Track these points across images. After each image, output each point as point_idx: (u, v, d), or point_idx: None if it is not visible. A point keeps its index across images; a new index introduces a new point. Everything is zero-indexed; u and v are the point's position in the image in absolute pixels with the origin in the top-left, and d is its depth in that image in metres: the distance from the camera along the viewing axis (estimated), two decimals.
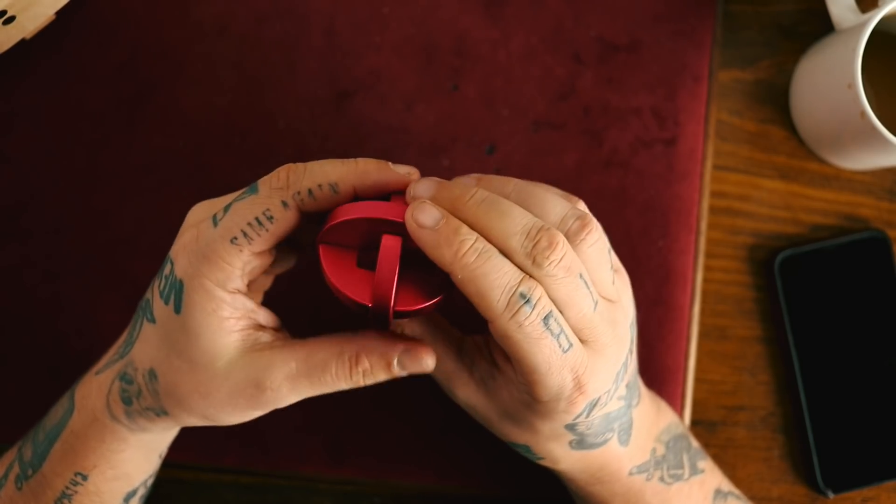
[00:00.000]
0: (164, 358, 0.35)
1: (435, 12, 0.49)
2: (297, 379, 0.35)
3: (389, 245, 0.33)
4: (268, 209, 0.33)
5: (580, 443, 0.38)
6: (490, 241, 0.32)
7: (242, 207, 0.34)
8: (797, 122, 0.51)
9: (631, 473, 0.40)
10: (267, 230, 0.33)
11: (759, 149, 0.51)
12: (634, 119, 0.49)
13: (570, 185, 0.48)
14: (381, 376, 0.36)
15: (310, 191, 0.33)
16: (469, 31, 0.49)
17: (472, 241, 0.32)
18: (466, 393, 0.39)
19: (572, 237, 0.33)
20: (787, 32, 0.52)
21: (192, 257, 0.34)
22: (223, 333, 0.34)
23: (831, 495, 0.49)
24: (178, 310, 0.34)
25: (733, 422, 0.50)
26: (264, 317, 0.36)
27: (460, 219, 0.33)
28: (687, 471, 0.42)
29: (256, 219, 0.33)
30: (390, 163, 0.34)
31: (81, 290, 0.47)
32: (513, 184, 0.34)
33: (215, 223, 0.34)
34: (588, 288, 0.33)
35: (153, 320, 0.35)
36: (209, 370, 0.35)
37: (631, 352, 0.37)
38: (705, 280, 0.50)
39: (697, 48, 0.49)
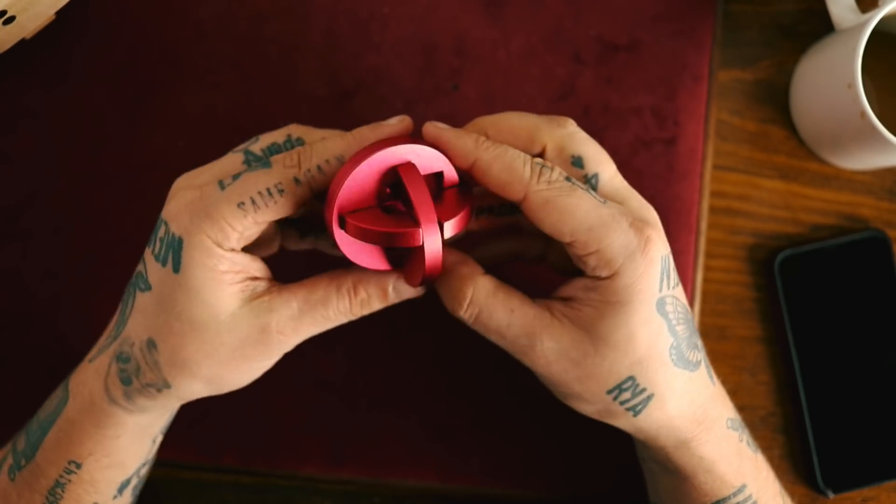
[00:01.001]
0: (163, 323, 0.35)
1: (435, 12, 0.49)
2: (300, 318, 0.36)
3: (408, 169, 0.34)
4: (280, 182, 0.34)
5: (678, 352, 0.35)
6: (513, 132, 0.36)
7: (255, 177, 0.34)
8: (797, 122, 0.51)
9: (728, 426, 0.38)
10: (276, 202, 0.34)
11: (759, 149, 0.51)
12: (634, 119, 0.49)
13: None
14: (377, 304, 0.37)
15: (318, 167, 0.35)
16: (469, 31, 0.49)
17: (485, 138, 0.36)
18: (554, 333, 0.35)
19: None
20: (787, 32, 0.52)
21: (194, 216, 0.34)
22: (224, 286, 0.35)
23: (831, 495, 0.49)
24: (176, 268, 0.34)
25: None
26: (258, 268, 0.36)
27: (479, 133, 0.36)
28: (755, 447, 0.40)
29: (268, 189, 0.34)
30: (382, 122, 0.36)
31: (81, 289, 0.47)
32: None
33: (222, 187, 0.34)
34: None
35: (148, 287, 0.35)
36: (213, 324, 0.35)
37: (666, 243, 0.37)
38: (705, 280, 0.50)
39: (697, 48, 0.49)
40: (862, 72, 0.44)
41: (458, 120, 0.48)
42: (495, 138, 0.36)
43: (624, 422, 0.36)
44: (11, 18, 0.43)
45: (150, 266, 0.35)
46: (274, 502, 0.49)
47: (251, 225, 0.34)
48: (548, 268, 0.41)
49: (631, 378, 0.35)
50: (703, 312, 0.50)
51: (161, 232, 0.35)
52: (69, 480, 0.38)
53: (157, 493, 0.46)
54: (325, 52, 0.48)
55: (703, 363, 0.37)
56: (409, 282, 0.36)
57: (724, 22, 0.51)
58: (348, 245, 0.35)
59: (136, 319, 0.36)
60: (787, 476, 0.50)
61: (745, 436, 0.39)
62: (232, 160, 0.36)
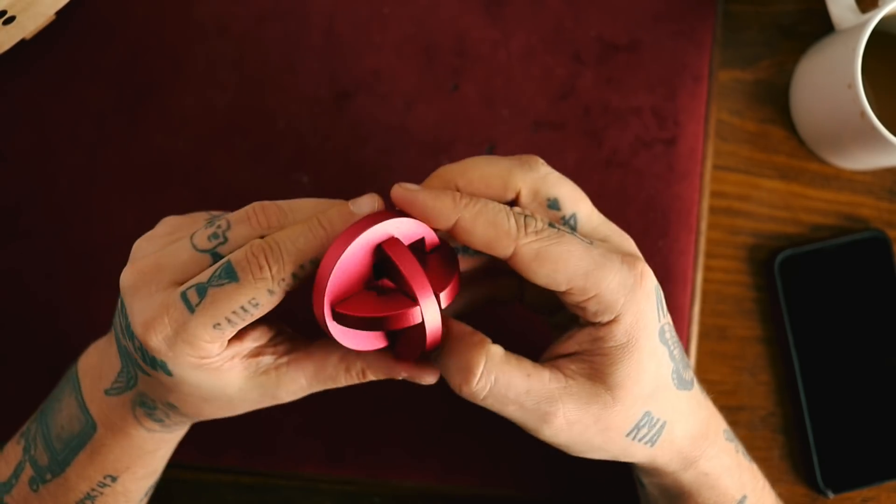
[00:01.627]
0: (177, 398, 0.35)
1: (435, 12, 0.49)
2: (308, 389, 0.36)
3: (393, 244, 0.33)
4: (254, 298, 0.32)
5: (678, 375, 0.35)
6: (484, 180, 0.34)
7: (226, 295, 0.32)
8: (797, 122, 0.51)
9: (725, 437, 0.38)
10: (252, 315, 0.32)
11: (759, 149, 0.51)
12: (634, 119, 0.49)
13: None
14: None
15: (293, 274, 0.32)
16: (469, 31, 0.49)
17: (460, 194, 0.33)
18: (571, 394, 0.34)
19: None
20: (787, 32, 0.52)
21: (171, 342, 0.32)
22: (224, 374, 0.34)
23: (831, 495, 0.49)
24: (169, 374, 0.34)
25: (733, 422, 0.50)
26: (258, 337, 0.35)
27: (449, 186, 0.35)
28: (748, 457, 0.40)
29: (242, 307, 0.32)
30: (349, 202, 0.34)
31: (81, 289, 0.47)
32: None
33: (189, 306, 0.32)
34: (581, 192, 0.35)
35: (147, 374, 0.35)
36: (223, 399, 0.35)
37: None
38: (705, 280, 0.50)
39: (697, 48, 0.49)
40: (862, 72, 0.44)
41: (458, 120, 0.48)
42: (467, 190, 0.34)
43: (641, 455, 0.36)
44: (11, 18, 0.43)
45: (143, 365, 0.35)
46: (274, 502, 0.49)
47: (231, 335, 0.33)
48: (519, 309, 0.41)
49: (647, 413, 0.35)
50: (703, 312, 0.50)
51: (137, 343, 0.34)
52: (101, 493, 0.39)
53: (157, 492, 0.46)
54: (325, 52, 0.48)
55: (695, 380, 0.37)
56: (409, 356, 0.35)
57: (724, 22, 0.51)
58: (343, 334, 0.33)
59: (148, 386, 0.36)
60: (787, 476, 0.50)
61: (740, 446, 0.40)
62: (181, 250, 0.34)
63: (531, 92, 0.49)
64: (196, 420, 0.38)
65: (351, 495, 0.49)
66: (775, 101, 0.52)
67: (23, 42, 0.46)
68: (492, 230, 0.32)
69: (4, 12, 0.42)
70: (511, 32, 0.49)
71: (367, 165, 0.48)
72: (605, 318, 0.34)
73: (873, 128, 0.44)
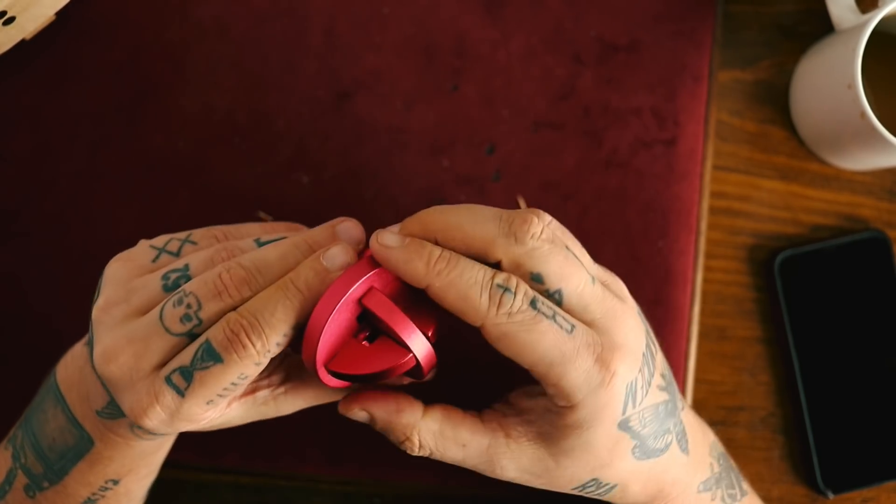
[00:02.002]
0: (175, 430, 0.35)
1: (435, 12, 0.49)
2: (307, 405, 0.38)
3: (377, 300, 0.32)
4: (242, 373, 0.32)
5: (643, 448, 0.35)
6: (465, 241, 0.32)
7: (212, 378, 0.32)
8: (797, 122, 0.51)
9: (699, 490, 0.38)
10: (244, 385, 0.33)
11: (759, 149, 0.51)
12: (634, 119, 0.49)
13: (570, 185, 0.48)
14: None
15: (277, 343, 0.32)
16: (469, 31, 0.49)
17: (440, 251, 0.32)
18: (513, 457, 0.35)
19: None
20: (787, 32, 0.52)
21: (168, 423, 0.33)
22: (222, 421, 0.35)
23: (831, 496, 0.49)
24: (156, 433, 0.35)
25: (733, 422, 0.50)
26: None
27: (429, 237, 0.33)
28: (738, 491, 0.40)
29: (233, 383, 0.32)
30: (320, 256, 0.33)
31: (80, 290, 0.47)
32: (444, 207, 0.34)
33: (178, 390, 0.32)
34: (579, 260, 0.33)
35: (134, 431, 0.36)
36: (223, 425, 0.36)
37: (650, 335, 0.35)
38: (705, 280, 0.50)
39: (697, 48, 0.49)
40: (862, 72, 0.44)
41: (457, 120, 0.48)
42: (447, 245, 0.33)
43: (592, 501, 0.37)
44: (11, 19, 0.43)
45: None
46: (274, 502, 0.49)
47: (227, 402, 0.34)
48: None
49: (594, 480, 0.35)
50: (703, 312, 0.50)
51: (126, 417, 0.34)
52: (103, 496, 0.38)
53: (157, 492, 0.46)
54: (325, 52, 0.48)
55: (674, 440, 0.36)
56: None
57: (724, 22, 0.51)
58: (338, 383, 0.34)
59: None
60: (787, 476, 0.50)
61: (722, 490, 0.39)
62: (154, 334, 0.33)
63: (531, 92, 0.49)
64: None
65: (351, 495, 0.49)
66: (775, 102, 0.52)
67: (23, 42, 0.46)
68: (461, 303, 0.31)
69: (4, 13, 0.42)
70: (511, 33, 0.49)
71: (367, 165, 0.48)
72: (561, 403, 0.33)
73: (873, 128, 0.44)
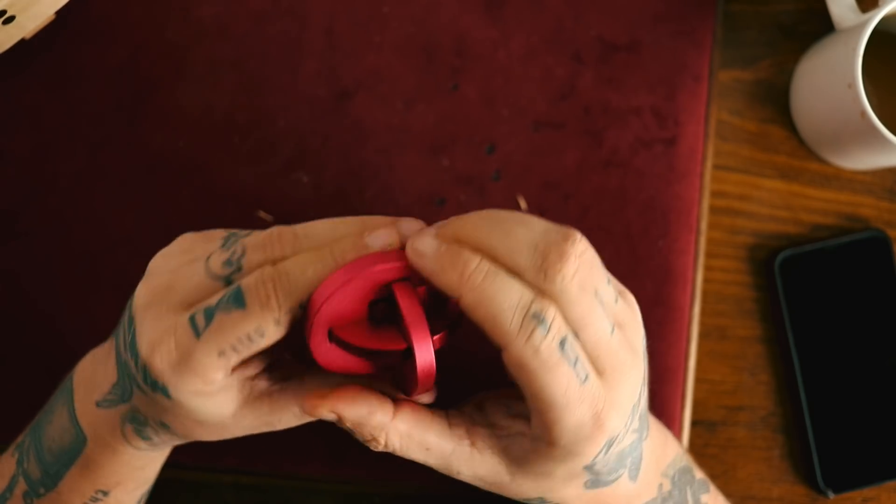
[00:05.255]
0: (171, 419, 0.35)
1: (435, 12, 0.49)
2: (301, 418, 0.37)
3: (402, 288, 0.32)
4: (259, 326, 0.31)
5: (594, 482, 0.35)
6: (497, 261, 0.31)
7: (231, 323, 0.31)
8: (797, 121, 0.51)
9: None
10: (258, 344, 0.31)
11: (760, 149, 0.51)
12: (634, 119, 0.49)
13: (570, 185, 0.48)
14: None
15: (301, 306, 0.31)
16: (469, 31, 0.49)
17: (476, 262, 0.30)
18: (472, 468, 0.36)
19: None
20: (787, 32, 0.52)
21: (175, 368, 0.32)
22: (219, 401, 0.34)
23: (831, 495, 0.49)
24: (168, 398, 0.33)
25: (733, 422, 0.50)
26: (257, 364, 0.35)
27: (462, 242, 0.31)
28: None
29: (248, 335, 0.31)
30: (365, 235, 0.32)
31: (81, 289, 0.47)
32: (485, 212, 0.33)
33: (195, 329, 0.31)
34: (604, 309, 0.32)
35: (143, 393, 0.34)
36: (217, 423, 0.35)
37: (645, 379, 0.35)
38: (705, 280, 0.50)
39: (697, 48, 0.49)
40: (862, 72, 0.44)
41: (457, 120, 0.48)
42: (486, 251, 0.31)
43: None
44: (11, 18, 0.43)
45: (142, 385, 0.34)
46: (274, 502, 0.49)
47: (236, 363, 0.33)
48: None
49: (540, 498, 0.36)
50: (703, 312, 0.50)
51: (133, 363, 0.33)
52: None
53: (157, 492, 0.46)
54: (325, 52, 0.48)
55: (625, 473, 0.36)
56: (404, 389, 0.35)
57: (724, 22, 0.51)
58: (326, 353, 0.33)
59: (142, 403, 0.35)
60: (787, 476, 0.50)
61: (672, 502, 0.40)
62: (195, 273, 0.33)
63: (531, 92, 0.49)
64: (185, 441, 0.37)
65: (351, 495, 0.49)
66: (775, 101, 0.52)
67: (23, 42, 0.46)
68: (490, 322, 0.30)
69: (4, 12, 0.42)
70: (511, 32, 0.49)
71: (367, 165, 0.48)
72: (542, 439, 0.33)
73: (874, 127, 0.44)
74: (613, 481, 0.36)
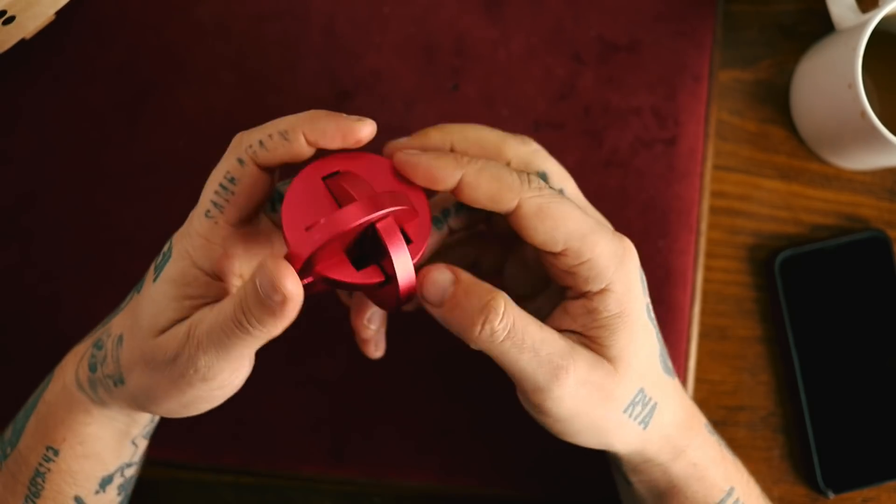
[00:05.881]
0: (131, 324, 0.35)
1: (435, 12, 0.49)
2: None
3: (387, 224, 0.32)
4: (227, 171, 0.34)
5: (663, 360, 0.36)
6: (479, 143, 0.36)
7: (210, 179, 0.34)
8: (797, 122, 0.51)
9: (708, 431, 0.39)
10: (233, 193, 0.34)
11: (760, 149, 0.51)
12: (634, 119, 0.49)
13: None
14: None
15: (260, 142, 0.33)
16: (469, 31, 0.49)
17: (462, 154, 0.35)
18: (583, 354, 0.34)
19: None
20: (787, 32, 0.52)
21: (181, 237, 0.34)
22: (178, 307, 0.34)
23: (831, 495, 0.49)
24: (156, 279, 0.34)
25: (733, 422, 0.50)
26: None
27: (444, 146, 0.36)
28: (726, 449, 0.40)
29: (221, 185, 0.34)
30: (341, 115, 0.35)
31: (81, 290, 0.47)
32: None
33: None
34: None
35: (139, 291, 0.36)
36: (151, 337, 0.34)
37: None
38: (705, 280, 0.50)
39: (697, 48, 0.49)
40: (862, 72, 0.44)
41: (458, 120, 0.48)
42: (462, 150, 0.36)
43: (633, 437, 0.36)
44: (11, 18, 0.43)
45: (149, 272, 0.36)
46: (274, 502, 0.49)
47: (230, 232, 0.34)
48: None
49: (640, 390, 0.35)
50: (703, 312, 0.50)
51: (165, 247, 0.36)
52: (48, 469, 0.38)
53: (157, 493, 0.46)
54: (325, 52, 0.48)
55: (673, 374, 0.38)
56: (387, 300, 0.34)
57: (725, 22, 0.51)
58: (294, 216, 0.33)
59: (122, 314, 0.37)
60: (787, 476, 0.50)
61: (722, 441, 0.40)
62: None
63: (531, 92, 0.49)
64: (120, 376, 0.35)
65: (351, 495, 0.49)
66: (775, 101, 0.52)
67: (23, 42, 0.46)
68: (496, 183, 0.33)
69: (4, 12, 0.42)
70: (511, 32, 0.49)
71: None
72: (596, 287, 0.34)
73: (874, 128, 0.44)
74: (674, 372, 0.37)
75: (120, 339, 0.36)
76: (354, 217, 0.31)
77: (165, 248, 0.35)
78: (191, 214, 0.35)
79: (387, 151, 0.36)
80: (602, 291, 0.34)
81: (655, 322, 0.37)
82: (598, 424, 0.35)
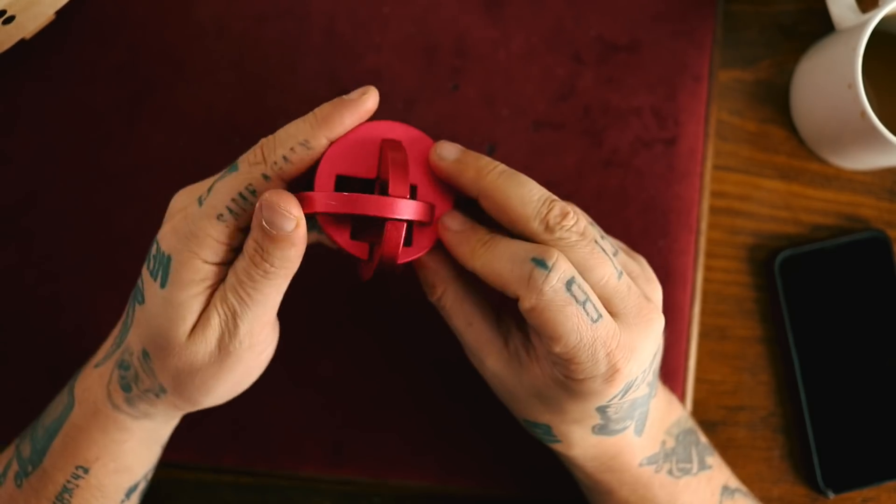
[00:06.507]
0: (154, 336, 0.35)
1: (435, 12, 0.49)
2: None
3: (392, 147, 0.35)
4: (250, 184, 0.34)
5: (603, 428, 0.37)
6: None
7: (225, 185, 0.34)
8: (797, 122, 0.51)
9: (641, 464, 0.40)
10: (251, 204, 0.34)
11: (760, 149, 0.51)
12: (634, 119, 0.49)
13: (570, 185, 0.48)
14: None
15: (284, 157, 0.34)
16: (469, 31, 0.49)
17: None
18: (497, 364, 0.38)
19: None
20: (787, 32, 0.52)
21: (181, 236, 0.34)
22: (203, 301, 0.35)
23: (831, 495, 0.49)
24: (163, 284, 0.34)
25: (733, 422, 0.50)
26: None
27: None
28: (695, 465, 0.41)
29: (240, 194, 0.34)
30: (344, 96, 0.35)
31: (81, 290, 0.47)
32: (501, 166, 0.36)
33: (200, 204, 0.34)
34: (607, 254, 0.34)
35: (143, 301, 0.36)
36: (182, 339, 0.35)
37: (661, 333, 0.36)
38: (705, 280, 0.50)
39: (697, 48, 0.49)
40: (862, 72, 0.44)
41: (458, 120, 0.48)
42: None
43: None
44: (11, 18, 0.43)
45: (146, 281, 0.36)
46: (274, 502, 0.49)
47: (238, 234, 0.34)
48: None
49: (547, 427, 0.38)
50: (703, 312, 0.50)
51: (154, 250, 0.35)
52: (77, 486, 0.38)
53: (157, 493, 0.46)
54: (325, 52, 0.48)
55: (632, 425, 0.38)
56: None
57: (725, 22, 0.51)
58: (325, 177, 0.35)
59: (135, 330, 0.36)
60: (787, 476, 0.50)
61: (670, 464, 0.41)
62: (222, 173, 0.36)
63: (531, 92, 0.49)
64: (161, 386, 0.36)
65: (351, 495, 0.49)
66: (775, 101, 0.52)
67: (23, 42, 0.46)
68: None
69: (4, 12, 0.42)
70: (511, 32, 0.49)
71: None
72: (559, 372, 0.35)
73: (873, 128, 0.44)
74: (620, 431, 0.38)
75: (144, 353, 0.36)
76: (378, 209, 0.33)
77: (155, 252, 0.35)
78: (191, 214, 0.34)
79: (432, 155, 0.36)
80: (565, 378, 0.35)
81: (624, 409, 0.37)
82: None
